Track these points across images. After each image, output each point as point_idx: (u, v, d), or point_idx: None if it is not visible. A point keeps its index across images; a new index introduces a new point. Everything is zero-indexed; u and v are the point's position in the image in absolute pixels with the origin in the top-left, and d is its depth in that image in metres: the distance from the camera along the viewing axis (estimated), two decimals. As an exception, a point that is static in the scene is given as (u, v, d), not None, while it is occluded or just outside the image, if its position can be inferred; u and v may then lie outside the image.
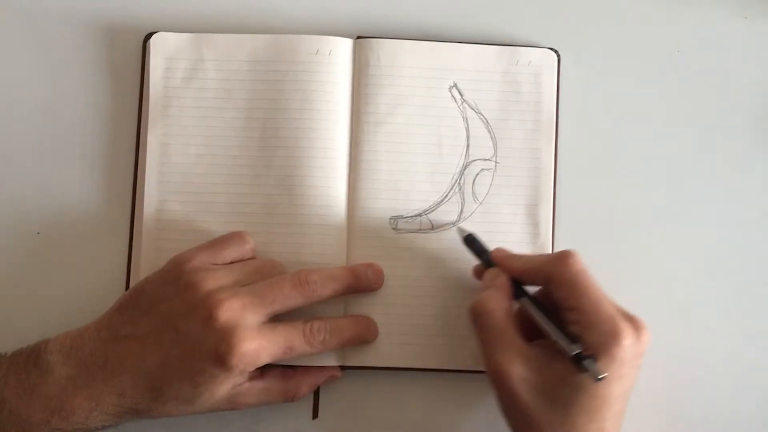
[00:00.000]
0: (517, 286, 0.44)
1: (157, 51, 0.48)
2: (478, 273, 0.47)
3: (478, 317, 0.42)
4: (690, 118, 0.50)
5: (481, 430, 0.48)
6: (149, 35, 0.49)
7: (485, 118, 0.49)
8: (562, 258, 0.42)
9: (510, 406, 0.41)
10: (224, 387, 0.42)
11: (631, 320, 0.40)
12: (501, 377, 0.40)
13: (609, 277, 0.48)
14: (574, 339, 0.40)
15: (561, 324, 0.41)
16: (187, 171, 0.48)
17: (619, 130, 0.50)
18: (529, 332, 0.42)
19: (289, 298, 0.43)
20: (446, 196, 0.48)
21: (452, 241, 0.48)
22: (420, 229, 0.48)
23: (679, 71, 0.51)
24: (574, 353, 0.39)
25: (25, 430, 0.41)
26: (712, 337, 0.49)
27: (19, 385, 0.41)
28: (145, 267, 0.47)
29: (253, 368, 0.42)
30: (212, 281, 0.42)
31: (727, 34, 0.51)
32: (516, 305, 0.43)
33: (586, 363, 0.38)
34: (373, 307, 0.47)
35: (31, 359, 0.42)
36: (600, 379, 0.38)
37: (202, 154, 0.48)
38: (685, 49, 0.51)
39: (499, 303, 0.42)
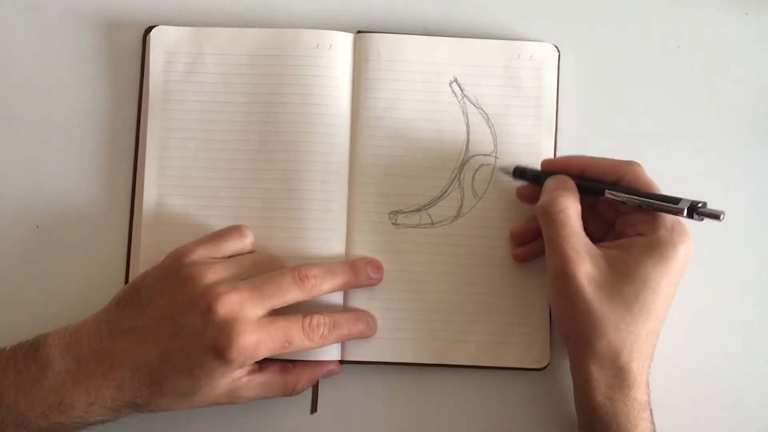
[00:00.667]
0: (584, 186, 0.44)
1: (157, 45, 0.48)
2: (523, 195, 0.47)
3: (551, 214, 0.42)
4: (690, 113, 0.50)
5: (479, 425, 0.48)
6: (149, 29, 0.49)
7: (485, 113, 0.49)
8: (635, 163, 0.44)
9: (572, 302, 0.41)
10: (223, 380, 0.42)
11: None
12: (568, 273, 0.41)
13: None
14: (672, 199, 0.41)
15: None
16: (187, 165, 0.48)
17: (619, 125, 0.50)
18: (591, 236, 0.43)
19: (288, 293, 0.43)
20: (446, 191, 0.48)
21: (452, 236, 0.48)
22: (419, 224, 0.48)
23: (680, 67, 0.51)
24: (690, 203, 0.40)
25: (24, 423, 0.41)
26: (710, 332, 0.49)
27: (18, 379, 0.41)
28: (145, 261, 0.47)
29: (252, 362, 0.42)
30: (211, 275, 0.42)
31: (728, 31, 0.51)
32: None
33: (704, 210, 0.40)
34: (373, 302, 0.47)
35: (30, 353, 0.42)
36: (722, 219, 0.39)
37: (201, 148, 0.48)
38: (685, 45, 0.51)
39: (572, 202, 0.43)
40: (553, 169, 0.46)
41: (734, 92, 0.50)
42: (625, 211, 0.43)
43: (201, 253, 0.44)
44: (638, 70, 0.50)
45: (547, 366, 0.48)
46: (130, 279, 0.47)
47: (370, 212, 0.48)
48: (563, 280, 0.41)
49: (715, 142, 0.50)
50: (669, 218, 0.42)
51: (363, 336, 0.47)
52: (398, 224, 0.48)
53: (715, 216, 0.40)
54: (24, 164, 0.49)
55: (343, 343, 0.47)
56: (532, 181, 0.47)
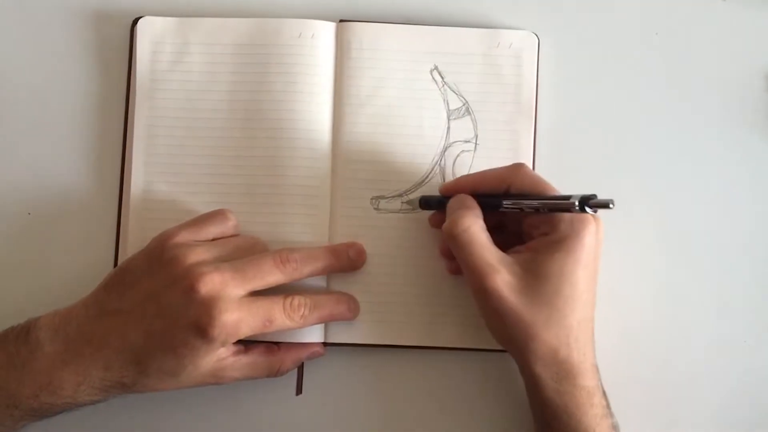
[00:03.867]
0: (484, 202, 0.45)
1: (144, 35, 0.49)
2: (434, 221, 0.48)
3: (456, 236, 0.43)
4: (669, 99, 0.51)
5: (462, 405, 0.49)
6: (137, 20, 0.50)
7: (466, 100, 0.50)
8: (518, 166, 0.45)
9: (499, 314, 0.42)
10: (207, 359, 0.43)
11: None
12: (488, 289, 0.42)
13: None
14: (565, 197, 0.42)
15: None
16: (173, 152, 0.49)
17: (598, 112, 0.51)
18: (499, 246, 0.44)
19: (269, 275, 0.44)
20: (427, 176, 0.49)
21: (433, 221, 0.49)
22: (401, 210, 0.49)
23: (658, 53, 0.51)
24: (580, 197, 0.41)
25: (15, 404, 0.42)
26: (696, 316, 0.50)
27: (9, 361, 0.42)
28: (133, 246, 0.48)
29: (234, 340, 0.43)
30: (194, 256, 0.43)
31: (706, 16, 0.51)
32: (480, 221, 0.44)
33: (595, 201, 0.41)
34: (356, 285, 0.48)
35: (21, 336, 0.43)
36: (612, 206, 0.40)
37: (187, 136, 0.49)
38: (663, 32, 0.51)
39: (473, 219, 0.43)
40: (450, 192, 0.46)
41: (711, 79, 0.51)
42: (526, 215, 0.44)
43: (185, 236, 0.45)
44: (617, 57, 0.51)
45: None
46: (119, 263, 0.48)
47: (352, 198, 0.49)
48: (484, 295, 0.42)
49: (695, 127, 0.51)
50: (566, 214, 0.43)
51: (345, 318, 0.48)
52: (380, 209, 0.49)
53: (605, 205, 0.40)
54: (16, 153, 0.50)
55: (327, 325, 0.48)
56: (438, 207, 0.47)
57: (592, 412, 0.43)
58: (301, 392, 0.49)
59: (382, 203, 0.49)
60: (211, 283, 0.42)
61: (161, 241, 0.45)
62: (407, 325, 0.48)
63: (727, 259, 0.50)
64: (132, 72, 0.49)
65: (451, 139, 0.49)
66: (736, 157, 0.51)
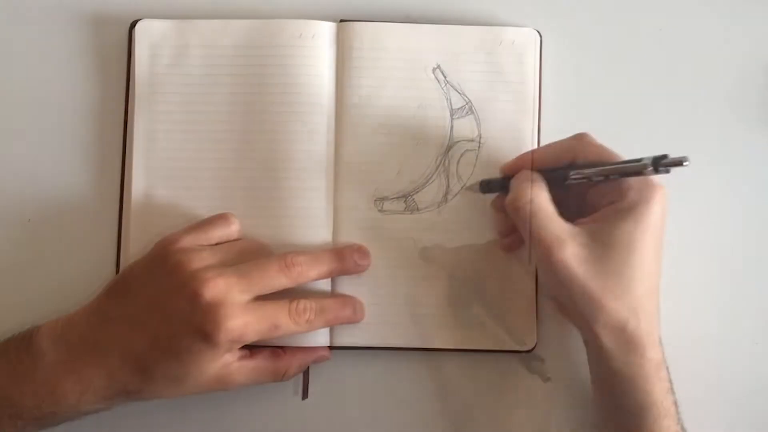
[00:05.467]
0: (548, 176, 0.44)
1: (142, 38, 0.49)
2: (499, 206, 0.47)
3: (520, 208, 0.43)
4: (671, 95, 0.51)
5: (467, 408, 0.48)
6: (135, 23, 0.49)
7: (468, 99, 0.49)
8: (582, 136, 0.44)
9: (567, 286, 0.42)
10: (212, 365, 0.42)
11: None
12: (555, 259, 0.41)
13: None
14: (635, 160, 0.41)
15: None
16: (174, 156, 0.48)
17: (601, 107, 0.50)
18: (571, 218, 0.43)
19: (274, 279, 0.43)
20: (431, 177, 0.49)
21: (437, 222, 0.48)
22: (405, 210, 0.49)
23: (661, 49, 0.51)
24: (651, 160, 0.40)
25: (18, 414, 0.42)
26: (703, 318, 0.49)
27: (11, 370, 0.42)
28: (134, 251, 0.47)
29: (239, 345, 0.42)
30: (198, 261, 0.42)
31: (709, 12, 0.51)
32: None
33: (669, 159, 0.40)
34: (361, 288, 0.48)
35: (22, 345, 0.43)
36: (687, 164, 0.39)
37: (187, 139, 0.48)
38: (666, 27, 0.51)
39: (537, 191, 0.43)
40: (512, 171, 0.46)
41: (716, 73, 0.51)
42: (593, 184, 0.44)
43: (188, 241, 0.44)
44: (620, 53, 0.51)
45: (533, 348, 0.48)
46: (121, 269, 0.48)
47: (355, 199, 0.48)
48: (551, 267, 0.42)
49: (698, 122, 0.50)
50: (634, 181, 0.42)
51: (351, 321, 0.47)
52: (384, 211, 0.49)
53: (679, 163, 0.40)
54: (16, 160, 0.49)
55: (332, 328, 0.48)
56: (500, 189, 0.47)
57: (660, 386, 0.42)
58: (307, 396, 0.48)
59: (386, 204, 0.49)
60: (215, 288, 0.41)
61: (164, 246, 0.44)
62: (413, 328, 0.48)
63: (732, 258, 0.50)
64: (131, 76, 0.49)
65: (455, 139, 0.49)
66: (741, 152, 0.50)
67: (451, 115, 0.49)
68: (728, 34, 0.51)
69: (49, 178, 0.49)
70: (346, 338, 0.48)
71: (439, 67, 0.49)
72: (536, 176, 0.44)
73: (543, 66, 0.50)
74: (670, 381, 0.43)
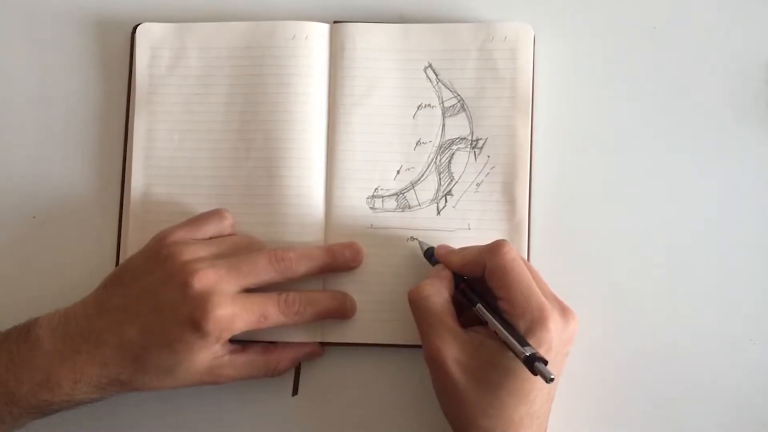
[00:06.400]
0: (461, 283, 0.44)
1: (143, 41, 0.50)
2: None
3: (416, 302, 0.43)
4: (666, 93, 0.50)
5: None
6: (136, 26, 0.51)
7: (461, 97, 0.49)
8: (495, 248, 0.43)
9: (444, 387, 0.42)
10: (202, 355, 0.43)
11: (561, 308, 0.42)
12: (437, 359, 0.42)
13: (585, 252, 0.49)
14: (523, 342, 0.40)
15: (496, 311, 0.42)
16: (172, 155, 0.50)
17: (596, 105, 0.50)
18: (464, 319, 0.43)
19: (263, 273, 0.44)
20: (423, 175, 0.49)
21: (429, 220, 0.49)
22: (397, 208, 0.49)
23: (655, 47, 0.50)
24: (526, 356, 0.39)
25: (14, 402, 0.43)
26: (700, 315, 0.48)
27: (10, 358, 0.43)
28: (133, 247, 0.48)
29: (229, 335, 0.43)
30: (189, 253, 0.44)
31: (703, 10, 0.51)
32: (452, 301, 0.44)
33: (538, 366, 0.38)
34: (353, 285, 0.48)
35: (21, 335, 0.44)
36: (551, 381, 0.38)
37: (185, 139, 0.50)
38: (661, 26, 0.50)
39: (437, 289, 0.43)
40: (437, 257, 0.46)
41: (710, 71, 0.50)
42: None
43: (182, 235, 0.45)
44: (614, 51, 0.50)
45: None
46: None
47: (348, 197, 0.49)
48: (434, 364, 0.42)
49: (692, 121, 0.50)
50: (531, 307, 0.41)
51: (341, 316, 0.47)
52: (376, 208, 0.49)
53: (545, 377, 0.38)
54: (20, 159, 0.51)
55: (323, 325, 0.48)
56: (429, 259, 0.47)
57: None
58: (297, 393, 0.49)
59: (379, 203, 0.49)
60: (205, 278, 0.42)
61: (159, 239, 0.45)
62: (404, 324, 0.48)
63: (730, 256, 0.49)
64: (132, 78, 0.51)
65: (447, 137, 0.49)
66: (739, 150, 0.50)
67: (443, 113, 0.49)
68: (725, 29, 0.50)
69: (52, 176, 0.51)
70: (337, 334, 0.48)
71: (430, 65, 0.50)
72: (445, 274, 0.44)
73: (537, 63, 0.50)
74: None
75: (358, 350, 0.48)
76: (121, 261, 0.50)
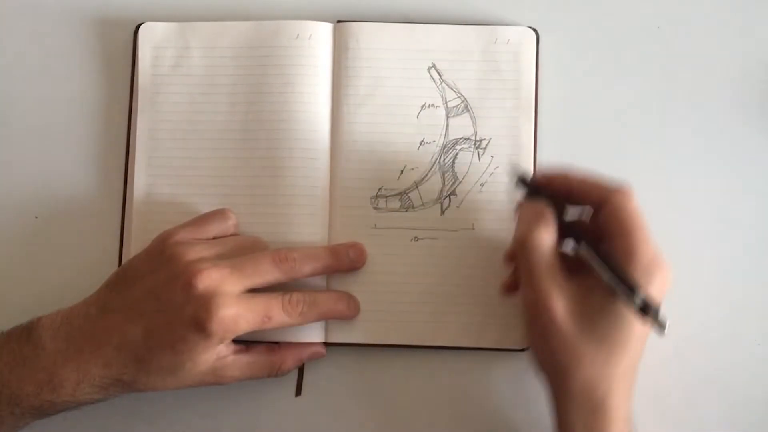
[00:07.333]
0: (567, 228, 0.43)
1: (146, 41, 0.50)
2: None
3: (530, 249, 0.42)
4: (671, 92, 0.50)
5: (461, 406, 0.48)
6: (139, 26, 0.50)
7: (464, 98, 0.49)
8: (624, 190, 0.42)
9: (547, 335, 0.41)
10: (206, 356, 0.43)
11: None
12: (544, 306, 0.41)
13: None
14: (632, 287, 0.40)
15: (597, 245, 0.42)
16: (175, 155, 0.49)
17: (599, 107, 0.50)
18: (567, 266, 0.42)
19: (267, 273, 0.44)
20: (427, 175, 0.49)
21: (433, 220, 0.49)
22: (401, 208, 0.49)
23: (660, 48, 0.50)
24: (642, 300, 0.39)
25: (17, 402, 0.42)
26: (705, 317, 0.49)
27: (12, 359, 0.43)
28: (136, 247, 0.48)
29: (232, 335, 0.43)
30: (193, 253, 0.43)
31: (707, 10, 0.51)
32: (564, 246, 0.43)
33: (654, 313, 0.39)
34: (357, 285, 0.48)
35: (23, 335, 0.44)
36: (665, 329, 0.38)
37: (188, 138, 0.50)
38: (665, 26, 0.51)
39: (546, 236, 0.42)
40: (544, 183, 0.44)
41: (715, 72, 0.50)
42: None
43: (185, 235, 0.45)
44: (618, 52, 0.51)
45: (527, 347, 0.48)
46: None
47: (352, 197, 0.49)
48: (539, 313, 0.41)
49: (697, 120, 0.50)
50: (645, 255, 0.41)
51: (344, 316, 0.47)
52: (380, 208, 0.49)
53: (661, 324, 0.38)
54: (22, 159, 0.51)
55: (327, 325, 0.48)
56: (528, 195, 0.45)
57: None
58: (300, 393, 0.49)
59: (382, 202, 0.49)
60: (209, 278, 0.42)
61: (162, 239, 0.45)
62: (408, 325, 0.48)
63: (735, 257, 0.49)
64: (135, 77, 0.50)
65: (450, 137, 0.49)
66: (742, 149, 0.50)
67: (447, 113, 0.49)
68: (728, 32, 0.51)
69: (54, 176, 0.51)
70: (341, 335, 0.48)
71: (434, 66, 0.50)
72: (549, 216, 0.43)
73: (540, 64, 0.50)
74: None
75: (362, 350, 0.48)
76: (123, 261, 0.49)
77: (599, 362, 0.40)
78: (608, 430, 0.40)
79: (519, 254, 0.43)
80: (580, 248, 0.42)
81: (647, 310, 0.39)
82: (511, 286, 0.47)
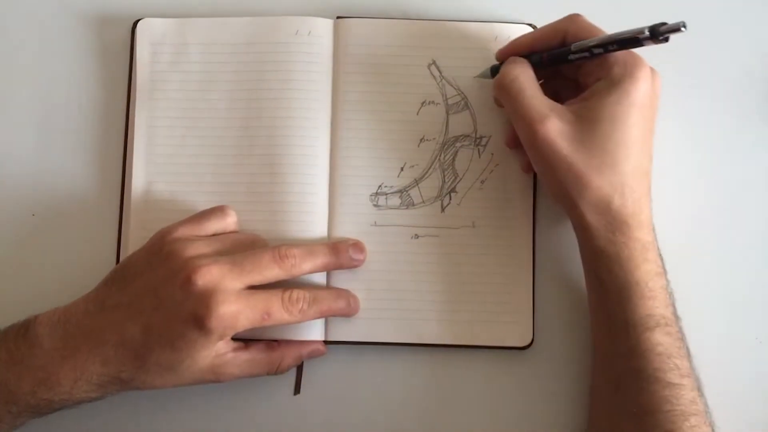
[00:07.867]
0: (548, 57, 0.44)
1: (144, 37, 0.50)
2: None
3: (505, 85, 0.43)
4: (672, 91, 0.50)
5: (463, 404, 0.48)
6: (137, 22, 0.50)
7: (464, 94, 0.49)
8: (574, 16, 0.44)
9: (552, 164, 0.42)
10: (205, 353, 0.43)
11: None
12: (538, 134, 0.41)
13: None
14: (633, 34, 0.40)
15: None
16: (173, 152, 0.49)
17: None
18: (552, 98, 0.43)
19: (267, 270, 0.44)
20: (427, 172, 0.49)
21: (434, 217, 0.48)
22: (401, 205, 0.49)
23: (661, 45, 0.50)
24: (651, 26, 0.39)
25: (14, 400, 0.42)
26: (706, 314, 0.48)
27: (9, 357, 0.42)
28: (134, 245, 0.48)
29: (232, 333, 0.42)
30: (192, 250, 0.43)
31: (710, 8, 0.51)
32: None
33: (665, 28, 0.39)
34: (357, 283, 0.48)
35: (20, 333, 0.43)
36: (684, 29, 0.38)
37: (187, 135, 0.49)
38: (668, 21, 0.50)
39: (521, 68, 0.43)
40: (506, 55, 0.46)
41: (717, 71, 0.50)
42: (581, 65, 0.44)
43: (184, 232, 0.45)
44: (618, 48, 0.50)
45: (530, 344, 0.48)
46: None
47: (351, 194, 0.49)
48: (536, 143, 0.42)
49: (700, 120, 0.50)
50: (621, 55, 0.42)
51: (344, 314, 0.47)
52: (380, 206, 0.49)
53: (676, 29, 0.39)
54: (21, 156, 0.51)
55: (327, 323, 0.48)
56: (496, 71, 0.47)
57: (645, 267, 0.42)
58: (299, 392, 0.48)
59: (382, 199, 0.49)
60: (208, 275, 0.42)
61: (161, 236, 0.45)
62: (409, 323, 0.48)
63: (736, 254, 0.49)
64: (133, 74, 0.50)
65: (450, 134, 0.49)
66: (746, 147, 0.50)
67: (447, 110, 0.49)
68: (730, 30, 0.51)
69: (52, 173, 0.50)
70: (341, 332, 0.48)
71: (434, 62, 0.49)
72: (522, 59, 0.45)
73: (540, 61, 0.50)
74: (663, 266, 0.43)
75: (362, 348, 0.48)
76: (121, 258, 0.49)
77: (605, 170, 0.41)
78: (633, 234, 0.41)
79: (502, 96, 0.44)
80: (573, 49, 0.43)
81: (658, 31, 0.39)
82: (514, 139, 0.47)
